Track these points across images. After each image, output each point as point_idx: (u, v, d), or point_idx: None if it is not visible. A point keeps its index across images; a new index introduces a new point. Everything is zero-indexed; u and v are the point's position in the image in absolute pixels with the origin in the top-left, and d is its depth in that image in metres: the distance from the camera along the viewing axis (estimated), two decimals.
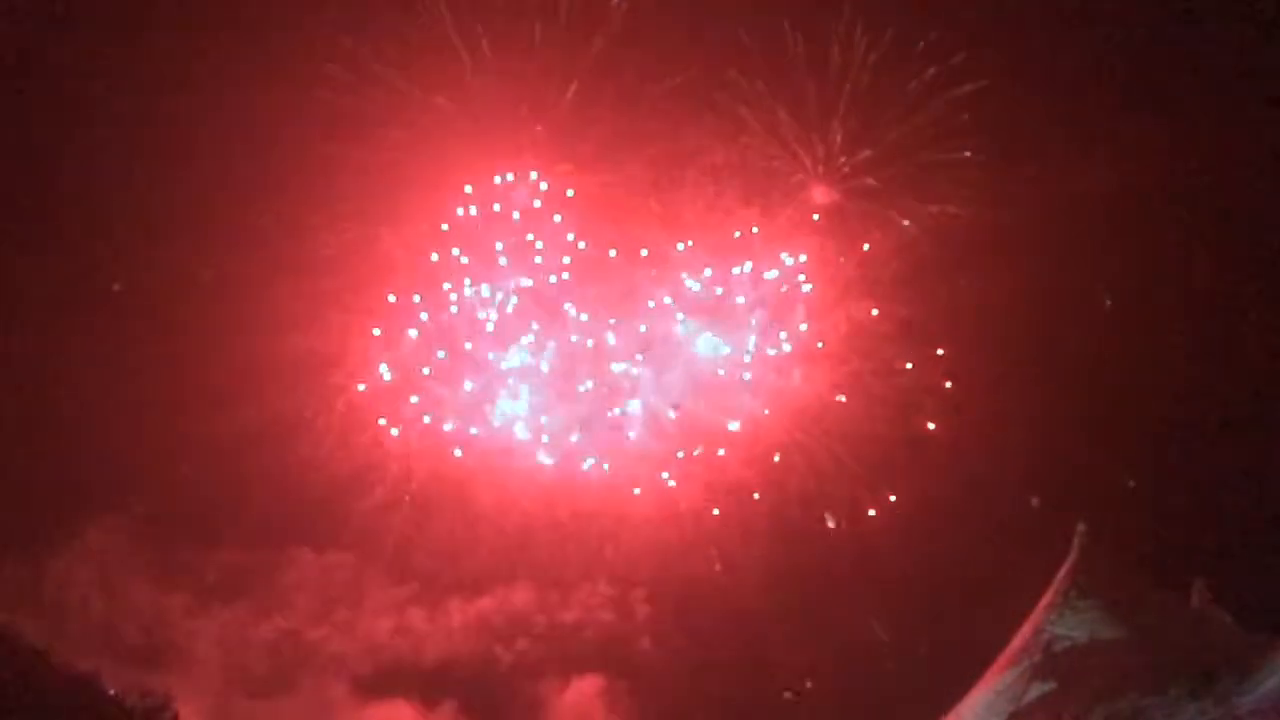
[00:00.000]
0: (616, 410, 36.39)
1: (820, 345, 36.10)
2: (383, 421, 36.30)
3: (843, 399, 36.46)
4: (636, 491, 35.87)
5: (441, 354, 36.49)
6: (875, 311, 35.49)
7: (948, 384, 35.08)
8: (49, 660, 23.23)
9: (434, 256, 36.38)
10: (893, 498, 34.87)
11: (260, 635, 36.52)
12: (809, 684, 33.98)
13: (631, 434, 36.21)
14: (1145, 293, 32.18)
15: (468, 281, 36.36)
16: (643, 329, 36.61)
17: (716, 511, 35.61)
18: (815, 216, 35.64)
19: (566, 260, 36.54)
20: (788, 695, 33.29)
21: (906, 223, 35.00)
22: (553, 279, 36.54)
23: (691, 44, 34.71)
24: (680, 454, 36.04)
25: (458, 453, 36.25)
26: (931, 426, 34.94)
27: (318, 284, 35.86)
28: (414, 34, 35.28)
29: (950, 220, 34.89)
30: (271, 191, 35.16)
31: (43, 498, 34.39)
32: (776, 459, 35.62)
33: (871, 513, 35.24)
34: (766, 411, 36.10)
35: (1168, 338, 31.95)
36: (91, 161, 35.56)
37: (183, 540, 35.85)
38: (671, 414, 36.02)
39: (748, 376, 36.51)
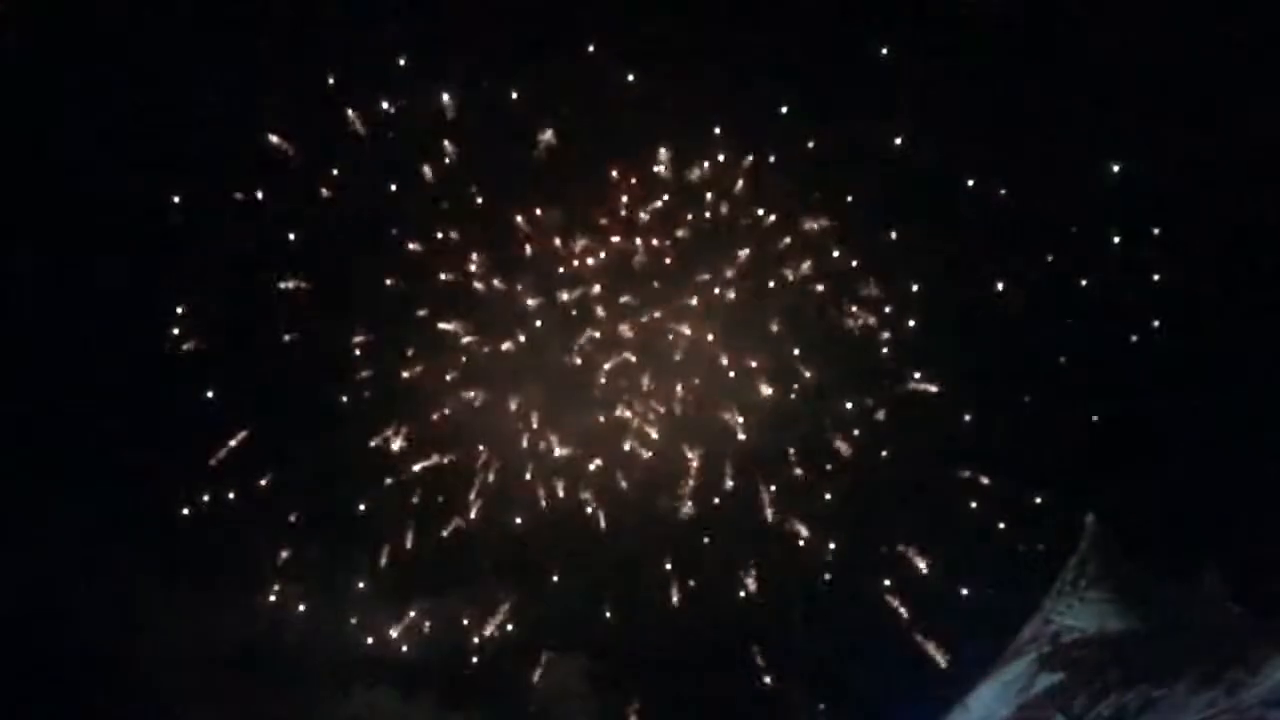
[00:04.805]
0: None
1: None
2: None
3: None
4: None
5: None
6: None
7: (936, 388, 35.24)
8: (50, 652, 22.79)
9: None
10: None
11: (237, 625, 36.16)
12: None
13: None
14: (1139, 281, 32.41)
15: None
16: None
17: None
18: None
19: None
20: None
21: None
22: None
23: None
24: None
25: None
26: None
27: None
28: None
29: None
30: None
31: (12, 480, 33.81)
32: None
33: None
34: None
35: (1169, 325, 32.18)
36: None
37: (157, 527, 35.51)
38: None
39: None
